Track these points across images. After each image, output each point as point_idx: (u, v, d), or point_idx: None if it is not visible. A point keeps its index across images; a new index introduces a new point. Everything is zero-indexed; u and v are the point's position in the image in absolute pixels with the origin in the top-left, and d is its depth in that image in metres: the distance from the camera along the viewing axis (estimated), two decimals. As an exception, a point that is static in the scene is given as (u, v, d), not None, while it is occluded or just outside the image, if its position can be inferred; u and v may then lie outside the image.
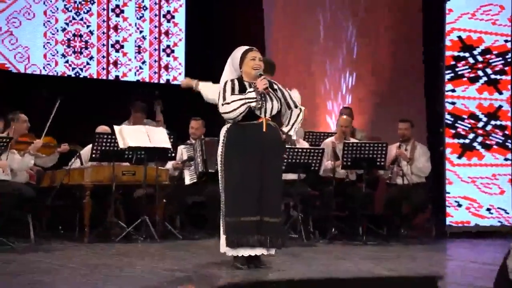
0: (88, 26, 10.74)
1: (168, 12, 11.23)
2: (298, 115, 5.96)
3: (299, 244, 7.85)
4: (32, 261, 6.35)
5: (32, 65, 10.41)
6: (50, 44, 10.52)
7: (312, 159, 8.30)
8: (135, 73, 10.98)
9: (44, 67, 10.47)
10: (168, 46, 11.22)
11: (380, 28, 11.34)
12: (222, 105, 5.71)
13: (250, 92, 5.71)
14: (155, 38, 11.15)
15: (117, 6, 10.92)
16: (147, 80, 11.07)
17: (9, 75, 10.25)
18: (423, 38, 11.06)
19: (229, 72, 5.95)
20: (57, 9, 10.56)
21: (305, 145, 8.83)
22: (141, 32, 11.05)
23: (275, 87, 5.94)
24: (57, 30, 10.56)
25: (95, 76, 10.78)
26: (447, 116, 9.52)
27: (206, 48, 11.29)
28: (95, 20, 10.80)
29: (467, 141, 9.55)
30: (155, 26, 11.16)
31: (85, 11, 10.73)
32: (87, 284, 5.12)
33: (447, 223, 9.26)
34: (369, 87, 10.98)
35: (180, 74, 11.23)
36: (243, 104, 5.67)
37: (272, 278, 5.15)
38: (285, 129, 5.89)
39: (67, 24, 10.61)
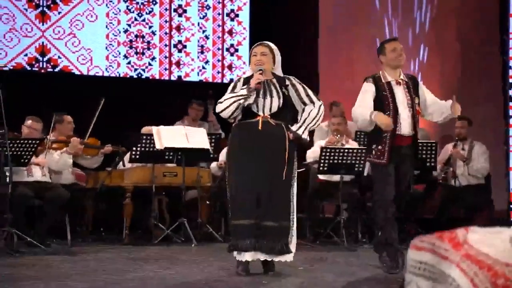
0: (150, 27, 10.71)
1: (232, 10, 11.05)
2: (311, 112, 5.56)
3: (339, 248, 7.52)
4: (48, 264, 6.29)
5: (95, 66, 10.47)
6: (113, 46, 10.55)
7: (356, 160, 7.91)
8: (198, 73, 10.87)
9: (106, 69, 10.51)
10: (231, 45, 11.03)
11: (451, 20, 10.83)
12: (217, 104, 5.50)
13: (242, 89, 5.45)
14: (219, 37, 10.98)
15: (180, 6, 10.83)
16: (210, 80, 10.92)
17: (72, 77, 10.36)
18: (499, 33, 10.51)
19: (250, 69, 5.76)
20: (119, 10, 10.58)
21: (355, 145, 8.44)
22: (204, 31, 10.91)
23: (287, 82, 5.62)
24: (119, 32, 10.57)
25: (157, 77, 10.73)
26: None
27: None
28: (157, 21, 10.75)
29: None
30: (219, 25, 10.99)
31: (147, 12, 10.70)
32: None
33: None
34: (439, 83, 10.46)
35: (244, 73, 11.01)
36: (233, 102, 5.42)
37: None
38: (294, 127, 5.54)
39: (129, 25, 10.61)
